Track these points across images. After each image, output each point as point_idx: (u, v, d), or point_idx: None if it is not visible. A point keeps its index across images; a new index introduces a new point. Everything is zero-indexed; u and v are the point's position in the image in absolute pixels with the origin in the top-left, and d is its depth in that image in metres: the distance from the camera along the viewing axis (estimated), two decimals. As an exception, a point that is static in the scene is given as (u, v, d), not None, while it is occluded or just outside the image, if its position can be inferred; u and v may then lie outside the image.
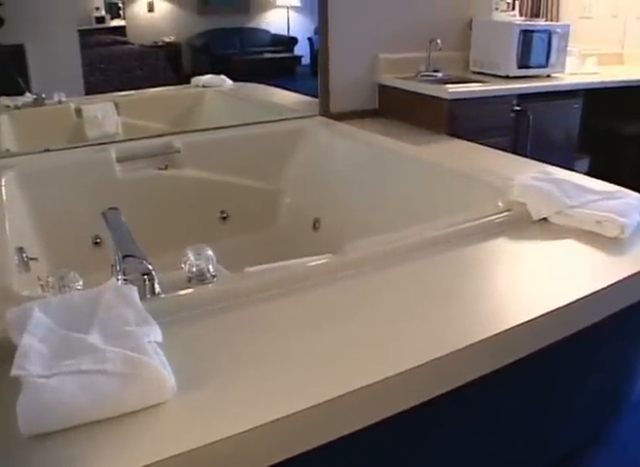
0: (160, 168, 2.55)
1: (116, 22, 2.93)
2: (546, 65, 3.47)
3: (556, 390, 1.58)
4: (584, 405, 1.72)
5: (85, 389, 0.93)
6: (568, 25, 3.59)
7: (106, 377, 0.94)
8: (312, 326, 1.22)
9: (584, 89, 3.45)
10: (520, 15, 3.83)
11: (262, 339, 1.17)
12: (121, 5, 2.92)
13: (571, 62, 3.68)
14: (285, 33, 3.46)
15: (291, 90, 3.45)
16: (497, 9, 3.58)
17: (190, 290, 1.28)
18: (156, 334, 1.07)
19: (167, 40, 3.10)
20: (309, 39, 3.43)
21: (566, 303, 1.32)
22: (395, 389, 1.08)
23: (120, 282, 1.23)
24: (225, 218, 2.71)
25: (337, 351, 1.13)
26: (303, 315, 1.26)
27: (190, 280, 1.30)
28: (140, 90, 3.02)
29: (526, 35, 3.37)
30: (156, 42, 3.08)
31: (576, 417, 1.71)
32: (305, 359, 1.10)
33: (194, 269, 1.30)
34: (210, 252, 1.31)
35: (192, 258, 1.30)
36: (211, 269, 1.31)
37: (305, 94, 3.25)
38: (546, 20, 4.00)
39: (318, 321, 1.24)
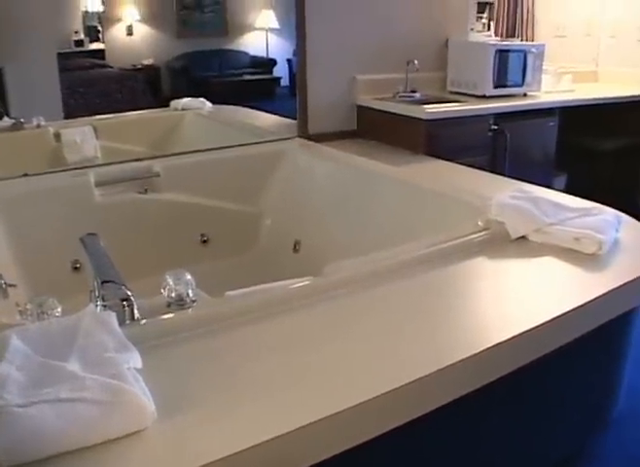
0: (139, 192, 2.55)
1: (95, 46, 2.93)
2: (522, 84, 3.51)
3: (540, 406, 1.59)
4: (567, 419, 1.73)
5: (64, 418, 0.92)
6: (543, 45, 3.64)
7: (85, 405, 0.93)
8: (292, 350, 1.22)
9: (560, 107, 3.50)
10: (496, 35, 3.88)
11: (242, 363, 1.16)
12: (100, 28, 2.93)
13: (547, 81, 3.73)
14: (264, 55, 3.48)
15: (271, 112, 3.45)
16: (473, 29, 3.63)
17: (169, 315, 1.28)
18: (135, 360, 1.06)
19: (146, 63, 3.10)
20: (288, 61, 3.45)
21: (547, 319, 1.34)
22: (378, 410, 1.08)
23: (99, 308, 1.23)
24: (205, 241, 2.70)
25: (319, 374, 1.13)
26: (284, 339, 1.26)
27: (169, 305, 1.30)
28: (119, 114, 3.02)
29: (502, 55, 3.42)
30: (135, 65, 3.08)
31: (559, 432, 1.71)
32: (286, 383, 1.10)
33: (173, 295, 1.30)
34: (189, 277, 1.31)
35: (171, 283, 1.30)
36: (190, 294, 1.30)
37: (285, 116, 3.26)
38: (521, 40, 4.06)
39: (298, 345, 1.24)
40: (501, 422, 1.49)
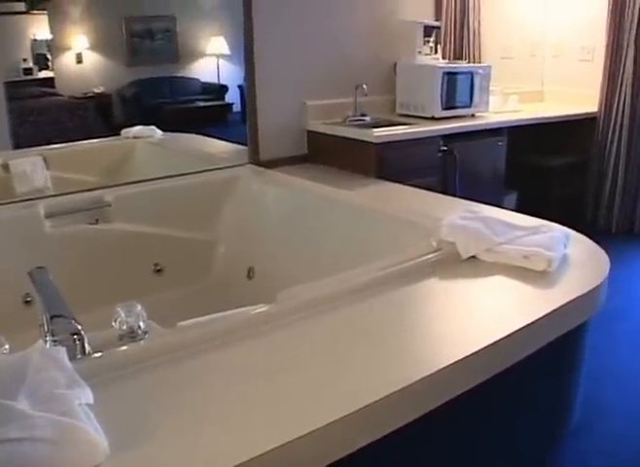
0: (90, 223, 2.51)
1: (44, 74, 2.90)
2: (470, 105, 3.59)
3: (496, 424, 1.60)
4: (524, 435, 1.74)
5: (14, 458, 0.90)
6: (489, 66, 3.73)
7: (36, 445, 0.92)
8: (247, 379, 1.21)
9: (507, 127, 3.58)
10: (443, 57, 3.95)
11: (196, 394, 1.15)
12: (49, 56, 2.90)
13: (494, 101, 3.81)
14: (215, 81, 3.48)
15: (223, 138, 3.45)
16: (420, 53, 3.69)
17: (121, 348, 1.26)
18: (86, 396, 1.05)
19: (97, 91, 3.07)
20: (240, 87, 3.46)
21: (499, 338, 1.36)
22: (331, 437, 1.08)
23: (48, 343, 1.21)
24: (159, 271, 2.68)
25: (275, 402, 1.12)
26: (237, 368, 1.25)
27: (121, 338, 1.28)
28: (70, 143, 2.98)
29: (450, 77, 3.49)
30: (85, 93, 3.05)
31: (517, 448, 1.72)
32: (243, 412, 1.09)
33: (124, 327, 1.28)
34: (140, 308, 1.30)
35: (122, 315, 1.28)
36: (142, 326, 1.29)
37: (238, 142, 3.26)
38: (468, 62, 4.13)
39: (253, 373, 1.23)
40: (457, 442, 1.49)
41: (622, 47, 4.09)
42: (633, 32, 3.99)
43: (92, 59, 3.00)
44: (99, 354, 1.24)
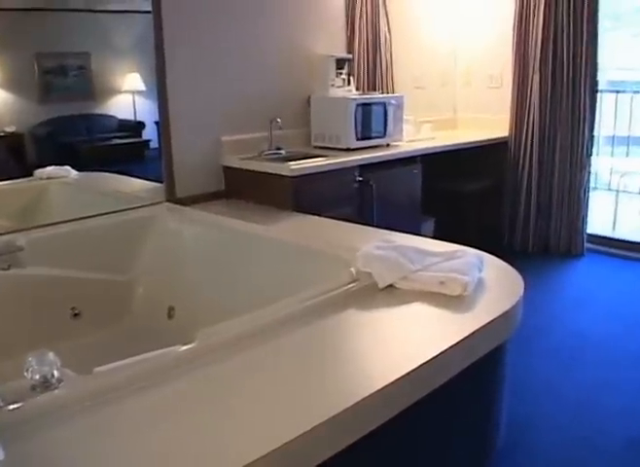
0: (2, 269, 2.43)
1: (-49, 117, 2.83)
2: (384, 135, 3.66)
3: (424, 448, 1.61)
4: (452, 457, 1.76)
5: None
6: (402, 96, 3.83)
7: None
8: (163, 423, 1.19)
9: (422, 155, 3.67)
10: (357, 89, 4.01)
11: (114, 441, 1.13)
12: (-44, 96, 2.83)
13: (408, 130, 3.91)
14: (132, 118, 3.45)
15: (141, 176, 3.42)
16: (333, 85, 3.75)
17: (34, 399, 1.22)
18: (-3, 452, 1.01)
19: (8, 130, 2.99)
20: (157, 123, 3.43)
21: (417, 365, 1.38)
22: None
23: (-46, 401, 1.16)
24: (77, 315, 2.60)
25: (193, 445, 1.11)
26: (154, 413, 1.23)
27: (34, 388, 1.24)
28: (-20, 187, 2.90)
29: (363, 108, 3.56)
30: (-5, 133, 2.98)
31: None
32: (161, 458, 1.08)
33: (37, 376, 1.24)
34: (53, 356, 1.26)
35: (34, 364, 1.25)
36: (56, 374, 1.26)
37: (155, 179, 3.24)
38: (382, 93, 4.22)
39: (169, 417, 1.21)
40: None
41: (528, 73, 4.29)
42: (537, 59, 4.20)
43: (2, 97, 2.93)
44: (11, 407, 1.19)
